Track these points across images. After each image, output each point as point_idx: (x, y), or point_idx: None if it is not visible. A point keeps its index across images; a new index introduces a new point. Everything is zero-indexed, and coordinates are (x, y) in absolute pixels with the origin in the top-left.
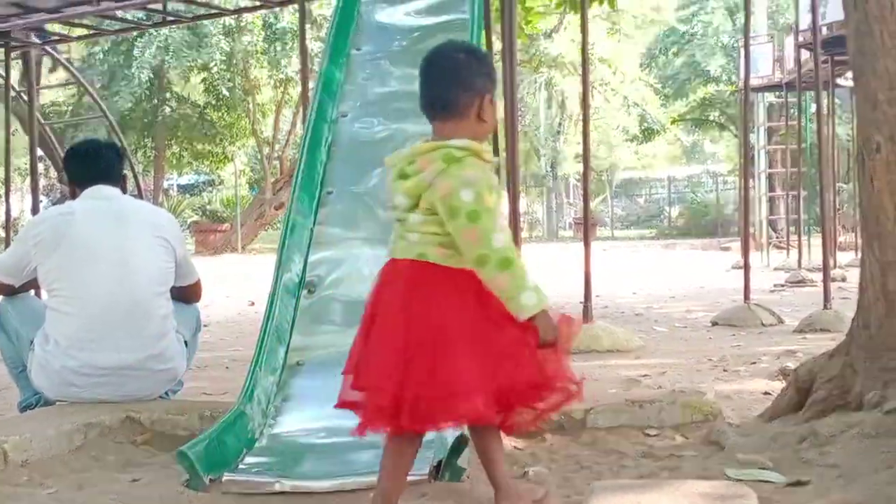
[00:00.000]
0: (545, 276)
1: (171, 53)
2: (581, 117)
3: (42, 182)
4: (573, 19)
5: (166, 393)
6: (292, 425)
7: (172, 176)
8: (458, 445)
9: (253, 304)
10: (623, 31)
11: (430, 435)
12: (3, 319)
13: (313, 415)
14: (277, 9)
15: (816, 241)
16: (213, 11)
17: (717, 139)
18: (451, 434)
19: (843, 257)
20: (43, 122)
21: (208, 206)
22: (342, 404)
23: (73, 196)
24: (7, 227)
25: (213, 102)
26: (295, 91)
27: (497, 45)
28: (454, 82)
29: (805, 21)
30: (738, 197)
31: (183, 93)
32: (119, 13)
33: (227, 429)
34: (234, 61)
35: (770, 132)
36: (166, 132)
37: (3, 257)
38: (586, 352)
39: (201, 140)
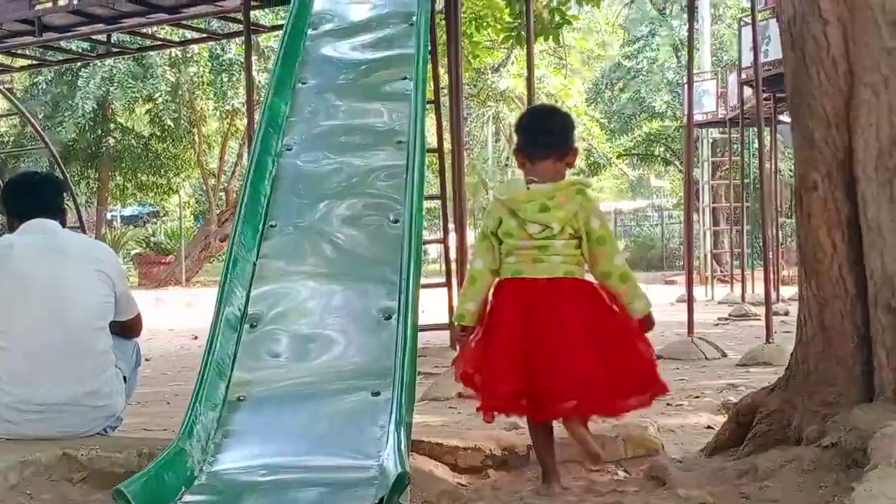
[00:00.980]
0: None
1: (115, 84)
2: None
3: None
4: (521, 54)
5: (104, 429)
6: (233, 462)
7: (116, 207)
8: (400, 483)
9: (196, 337)
10: (570, 66)
11: (372, 471)
12: None
13: (254, 452)
14: (224, 40)
15: (760, 274)
16: (158, 43)
17: (663, 174)
18: (393, 471)
19: (787, 291)
20: None
21: (152, 238)
22: (510, 394)
23: (12, 229)
24: None
25: (158, 133)
26: (241, 122)
27: (444, 79)
28: (569, 134)
29: (747, 59)
30: (683, 231)
31: (128, 124)
32: (63, 44)
33: (166, 466)
34: (180, 92)
35: (714, 167)
36: (110, 163)
37: None
38: None
39: (146, 171)
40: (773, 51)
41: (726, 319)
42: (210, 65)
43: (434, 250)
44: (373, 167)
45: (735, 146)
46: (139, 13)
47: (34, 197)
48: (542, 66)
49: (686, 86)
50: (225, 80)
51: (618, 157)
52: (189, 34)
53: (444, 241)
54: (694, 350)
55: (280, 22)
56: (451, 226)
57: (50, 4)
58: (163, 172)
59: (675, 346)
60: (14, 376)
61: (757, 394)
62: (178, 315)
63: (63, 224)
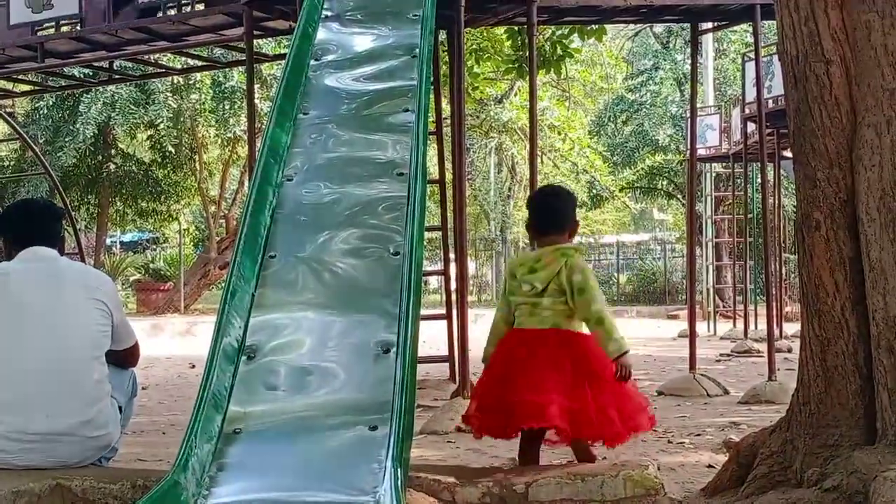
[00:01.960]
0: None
1: (117, 110)
2: (528, 179)
3: None
4: (524, 85)
5: (99, 460)
6: (228, 496)
7: (115, 233)
8: None
9: (193, 366)
10: (573, 98)
11: None
12: None
13: (250, 486)
14: (226, 68)
15: (763, 310)
16: (160, 70)
17: (666, 207)
18: None
19: (790, 328)
20: None
21: (151, 265)
22: (482, 420)
23: (10, 257)
24: None
25: (159, 160)
26: (243, 150)
27: (446, 110)
28: (570, 213)
29: (751, 94)
30: (686, 265)
31: (129, 149)
32: (65, 70)
33: (160, 499)
34: (182, 119)
35: (717, 201)
36: (110, 189)
37: None
38: None
39: (146, 197)
40: (777, 86)
41: (729, 355)
42: (212, 92)
43: (434, 281)
44: (373, 198)
45: (738, 181)
46: (141, 41)
47: (32, 224)
48: (546, 97)
49: (689, 119)
50: (227, 107)
51: (620, 190)
52: (191, 62)
53: (444, 271)
54: (695, 386)
55: (283, 51)
56: (451, 256)
57: (53, 30)
58: (163, 199)
59: (676, 382)
60: (8, 405)
61: (758, 434)
62: (176, 343)
63: (61, 252)
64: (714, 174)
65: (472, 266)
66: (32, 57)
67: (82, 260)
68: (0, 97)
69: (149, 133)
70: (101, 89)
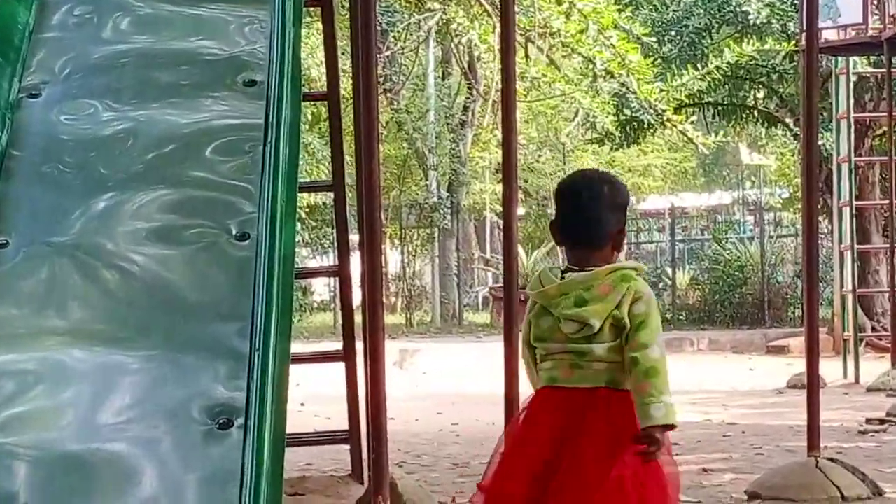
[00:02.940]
0: (435, 417)
1: None
2: (501, 91)
3: None
4: None
5: None
6: None
7: None
8: None
9: None
10: None
11: None
12: None
13: None
14: None
15: None
16: None
17: (763, 142)
18: None
19: None
20: None
21: None
22: None
23: None
24: None
25: None
26: None
27: None
28: (620, 215)
29: None
30: (802, 252)
31: None
32: None
33: None
34: None
35: (862, 129)
36: None
37: None
38: None
39: None
40: None
41: (883, 422)
42: None
43: (322, 288)
44: (199, 131)
45: None
46: None
47: None
48: None
49: None
50: None
51: (676, 109)
52: None
53: (338, 269)
54: (820, 482)
55: None
56: (353, 240)
57: None
58: None
59: (785, 475)
60: None
61: None
62: None
63: None
64: (855, 77)
65: (394, 258)
66: None
67: None
68: None
69: None
70: None
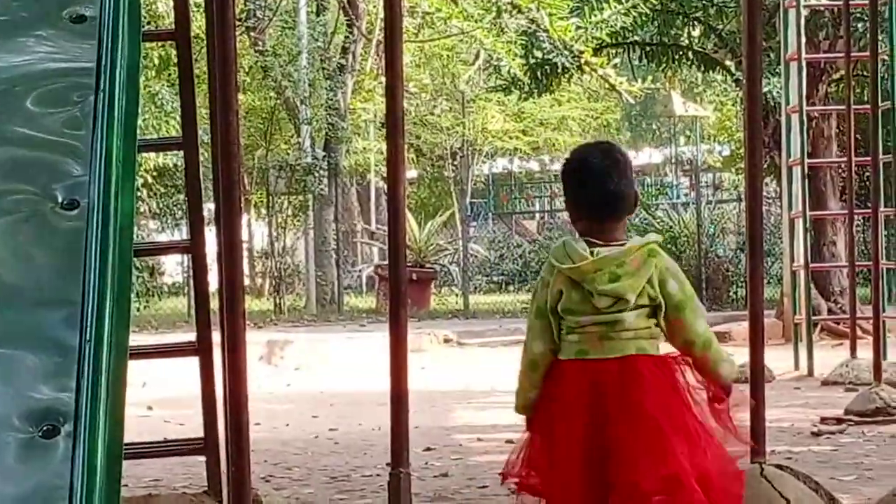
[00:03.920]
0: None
1: None
2: (385, 28)
3: None
4: None
5: None
6: None
7: None
8: None
9: None
10: None
11: None
12: None
13: None
14: None
15: None
16: None
17: (697, 88)
18: None
19: None
20: None
21: None
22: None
23: None
24: None
25: None
26: None
27: None
28: (633, 180)
29: None
30: (745, 221)
31: None
32: None
33: None
34: None
35: (815, 75)
36: None
37: None
38: None
39: None
40: None
41: (840, 421)
42: None
43: (173, 266)
44: (15, 78)
45: (859, 25)
46: None
47: None
48: None
49: None
50: None
51: (595, 51)
52: None
53: (191, 245)
54: (766, 492)
55: None
56: (207, 212)
57: None
58: None
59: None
60: None
61: None
62: None
63: None
64: (807, 12)
65: (260, 231)
66: None
67: None
68: None
69: None
70: None
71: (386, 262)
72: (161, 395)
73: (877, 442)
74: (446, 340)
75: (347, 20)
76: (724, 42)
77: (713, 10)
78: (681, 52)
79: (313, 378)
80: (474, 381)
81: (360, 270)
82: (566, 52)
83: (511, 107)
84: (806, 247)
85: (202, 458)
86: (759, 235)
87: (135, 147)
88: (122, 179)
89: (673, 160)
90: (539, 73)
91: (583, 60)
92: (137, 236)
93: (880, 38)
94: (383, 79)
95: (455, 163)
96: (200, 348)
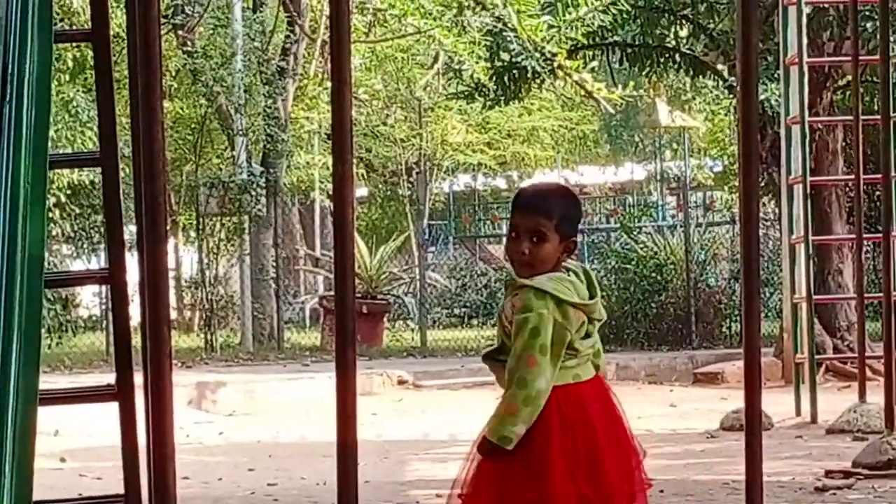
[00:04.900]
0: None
1: None
2: (330, 27)
3: None
4: None
5: None
6: None
7: None
8: None
9: None
10: None
11: None
12: None
13: None
14: None
15: None
16: None
17: (685, 95)
18: None
19: None
20: None
21: None
22: None
23: None
24: None
25: None
26: None
27: None
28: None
29: None
30: (740, 245)
31: None
32: None
33: None
34: None
35: (817, 79)
36: None
37: None
38: None
39: None
40: None
41: (846, 475)
42: None
43: (91, 299)
44: None
45: (868, 25)
46: None
47: None
48: None
49: None
50: None
51: (570, 53)
52: None
53: (110, 274)
54: None
55: None
56: (128, 235)
57: None
58: None
59: None
60: None
61: None
62: None
63: None
64: (809, 9)
65: (189, 258)
66: None
67: None
68: None
69: None
70: None
71: (332, 293)
72: (76, 445)
73: (889, 498)
74: (401, 382)
75: (288, 17)
76: (715, 43)
77: (703, 8)
78: (667, 55)
79: (249, 425)
80: (433, 429)
81: (302, 302)
82: (537, 55)
83: (474, 116)
84: (808, 276)
85: None
86: (755, 263)
87: (46, 164)
88: (30, 203)
89: (658, 177)
90: (506, 78)
91: (556, 64)
92: (49, 264)
93: (892, 39)
94: (329, 84)
95: (411, 179)
96: (120, 391)
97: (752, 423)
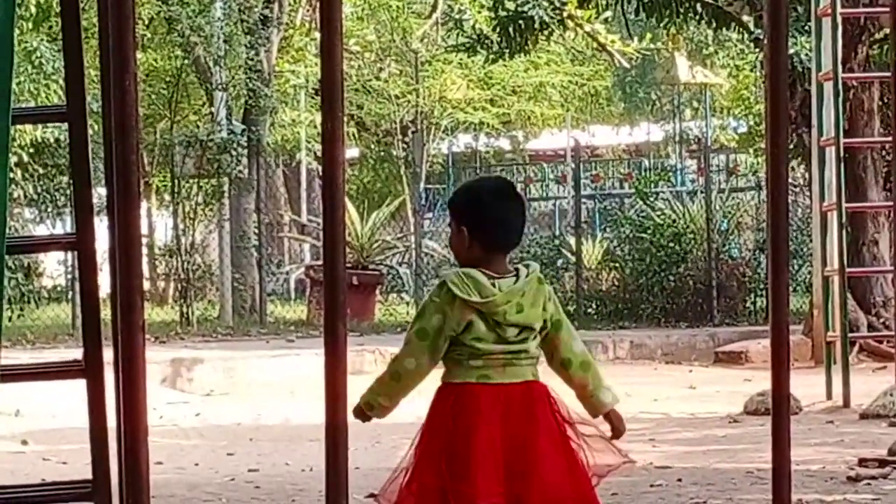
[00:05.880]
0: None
1: None
2: None
3: None
4: None
5: None
6: None
7: None
8: None
9: None
10: None
11: None
12: None
13: None
14: None
15: None
16: None
17: (707, 49)
18: None
19: None
20: None
21: None
22: None
23: None
24: None
25: None
26: None
27: None
28: None
29: None
30: (767, 214)
31: None
32: None
33: None
34: None
35: (852, 32)
36: None
37: None
38: None
39: None
40: None
41: (882, 464)
42: None
43: (56, 267)
44: None
45: None
46: None
47: None
48: None
49: None
50: None
51: (581, 2)
52: None
53: (78, 240)
54: None
55: None
56: (97, 198)
57: None
58: None
59: None
60: None
61: None
62: None
63: None
64: None
65: (163, 224)
66: None
67: None
68: None
69: None
70: None
71: (320, 263)
72: (39, 427)
73: None
74: None
75: None
76: None
77: None
78: (687, 5)
79: (229, 406)
80: (427, 410)
81: (287, 272)
82: (545, 3)
83: (476, 71)
84: (841, 247)
85: None
86: (783, 232)
87: (7, 119)
88: None
89: (677, 138)
90: (511, 29)
91: (565, 13)
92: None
93: None
94: (317, 34)
95: (406, 139)
96: (88, 368)
97: (779, 407)
